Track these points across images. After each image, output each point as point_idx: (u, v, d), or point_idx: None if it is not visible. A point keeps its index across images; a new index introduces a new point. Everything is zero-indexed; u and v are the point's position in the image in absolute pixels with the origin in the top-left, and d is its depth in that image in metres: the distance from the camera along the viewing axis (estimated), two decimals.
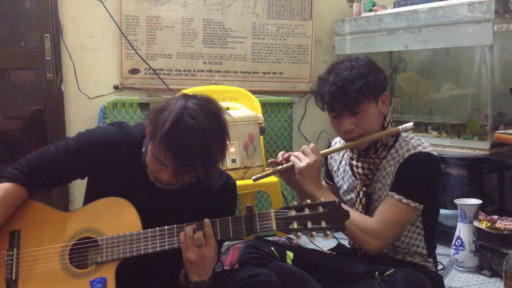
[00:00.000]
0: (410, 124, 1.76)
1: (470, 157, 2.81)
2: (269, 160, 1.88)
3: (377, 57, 3.43)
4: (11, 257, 1.49)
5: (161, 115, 1.44)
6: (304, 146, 1.82)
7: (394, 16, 3.06)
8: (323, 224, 1.43)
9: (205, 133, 1.41)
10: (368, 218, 1.74)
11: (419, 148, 1.73)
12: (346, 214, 1.46)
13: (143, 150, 1.57)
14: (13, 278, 1.47)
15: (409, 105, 3.46)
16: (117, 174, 1.57)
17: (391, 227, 1.71)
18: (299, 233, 1.44)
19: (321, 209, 1.46)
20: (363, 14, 3.35)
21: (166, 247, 1.48)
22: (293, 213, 1.46)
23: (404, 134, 1.81)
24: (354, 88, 1.67)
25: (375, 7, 3.30)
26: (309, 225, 1.44)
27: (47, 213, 1.55)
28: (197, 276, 1.48)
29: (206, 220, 1.48)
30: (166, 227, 1.49)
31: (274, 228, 1.46)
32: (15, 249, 1.50)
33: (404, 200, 1.70)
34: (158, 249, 1.48)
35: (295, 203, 1.49)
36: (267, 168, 1.98)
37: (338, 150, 1.90)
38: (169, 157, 1.42)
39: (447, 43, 2.86)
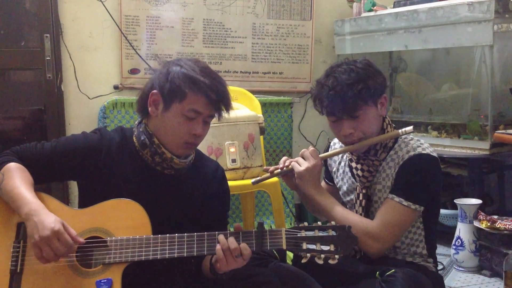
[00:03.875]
0: (410, 128, 1.74)
1: (470, 157, 2.81)
2: (270, 168, 1.84)
3: (377, 57, 3.44)
4: (17, 249, 1.47)
5: (172, 75, 1.52)
6: (303, 150, 1.81)
7: (394, 16, 3.06)
8: (332, 248, 1.46)
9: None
10: (369, 221, 1.74)
11: (419, 150, 1.72)
12: (355, 239, 1.48)
13: (142, 138, 1.58)
14: (18, 270, 1.45)
15: (409, 105, 3.45)
16: (106, 174, 1.57)
17: (392, 229, 1.70)
18: (307, 254, 1.46)
19: (331, 232, 1.47)
20: (363, 14, 3.35)
21: (175, 254, 1.48)
22: (303, 233, 1.48)
23: (403, 136, 1.80)
24: (353, 92, 1.66)
25: (375, 7, 3.30)
26: (318, 247, 1.46)
27: (56, 207, 1.52)
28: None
29: (221, 236, 1.48)
30: (176, 235, 1.49)
31: (284, 247, 1.47)
32: (21, 241, 1.47)
33: (405, 203, 1.69)
34: (167, 256, 1.48)
35: (306, 223, 1.50)
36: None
37: (337, 154, 1.89)
38: (207, 97, 1.52)
39: (447, 43, 2.86)
